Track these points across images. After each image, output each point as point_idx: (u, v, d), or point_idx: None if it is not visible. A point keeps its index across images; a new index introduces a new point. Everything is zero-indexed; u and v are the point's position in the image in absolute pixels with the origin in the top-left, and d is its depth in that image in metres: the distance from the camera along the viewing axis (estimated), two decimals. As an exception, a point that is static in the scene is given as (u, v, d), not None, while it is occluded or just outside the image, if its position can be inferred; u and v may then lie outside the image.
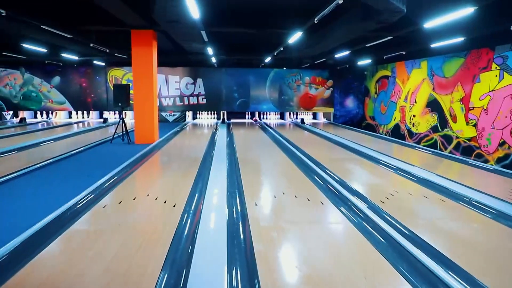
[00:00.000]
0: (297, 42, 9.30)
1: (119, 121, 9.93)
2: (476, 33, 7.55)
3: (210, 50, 11.31)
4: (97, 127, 13.97)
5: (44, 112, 16.74)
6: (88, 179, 5.51)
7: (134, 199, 4.80)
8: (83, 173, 6.30)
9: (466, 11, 5.27)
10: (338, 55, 11.88)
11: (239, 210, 4.37)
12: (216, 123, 15.81)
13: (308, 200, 4.86)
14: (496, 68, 8.37)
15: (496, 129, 8.34)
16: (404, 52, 10.84)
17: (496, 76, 8.36)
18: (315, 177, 6.16)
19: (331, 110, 16.95)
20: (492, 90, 8.45)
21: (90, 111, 16.86)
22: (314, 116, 18.29)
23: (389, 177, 6.54)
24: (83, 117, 17.08)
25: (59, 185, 5.53)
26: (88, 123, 15.41)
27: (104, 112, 16.86)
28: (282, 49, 10.80)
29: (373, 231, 3.80)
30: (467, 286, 2.72)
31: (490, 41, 8.34)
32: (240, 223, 3.96)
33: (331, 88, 16.68)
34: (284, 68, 16.65)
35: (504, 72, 8.11)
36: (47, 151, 8.32)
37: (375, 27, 6.49)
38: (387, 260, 3.15)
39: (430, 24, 6.32)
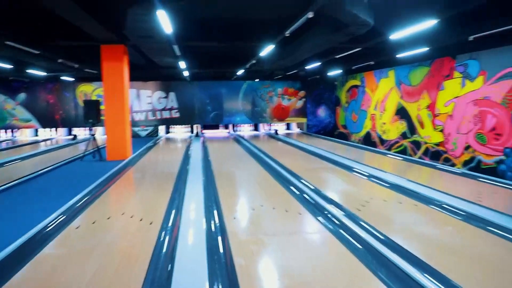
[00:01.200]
0: (269, 54, 9.43)
1: (90, 137, 9.69)
2: (439, 43, 7.91)
3: (182, 64, 11.27)
4: (66, 144, 13.55)
5: (9, 130, 16.10)
6: (59, 200, 5.31)
7: (108, 218, 4.67)
8: (52, 193, 6.08)
9: (430, 23, 5.53)
10: (309, 66, 12.12)
11: (218, 225, 4.33)
12: (190, 137, 15.70)
13: (286, 211, 4.88)
14: (458, 76, 8.78)
15: (461, 134, 8.71)
16: (372, 62, 11.19)
17: (458, 83, 8.76)
18: (292, 187, 6.20)
19: (304, 120, 17.20)
20: (456, 97, 8.84)
21: (58, 128, 16.35)
22: (288, 126, 18.49)
23: (363, 185, 6.67)
24: (50, 135, 16.52)
25: (27, 207, 5.30)
26: (56, 141, 14.93)
27: (73, 128, 16.39)
28: (254, 61, 10.91)
29: (351, 239, 3.86)
30: (444, 289, 2.80)
31: (451, 51, 8.75)
32: (219, 238, 3.92)
33: (303, 99, 16.95)
34: (257, 80, 16.79)
35: (466, 80, 8.52)
36: (13, 171, 7.98)
37: (344, 39, 6.69)
38: (366, 267, 3.20)
39: (396, 35, 6.58)
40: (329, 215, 4.62)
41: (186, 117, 16.31)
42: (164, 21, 5.32)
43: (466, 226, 4.32)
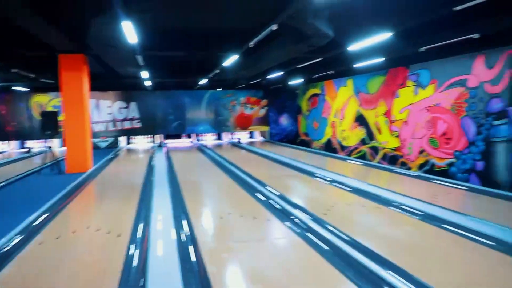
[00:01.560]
0: (233, 64, 9.55)
1: (47, 150, 9.31)
2: (394, 54, 8.39)
3: (145, 74, 11.14)
4: (20, 157, 12.88)
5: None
6: (18, 215, 5.08)
7: (73, 232, 4.54)
8: (10, 209, 5.79)
9: (385, 36, 5.89)
10: (272, 76, 12.37)
11: (188, 234, 4.34)
12: (153, 147, 15.44)
13: (254, 218, 4.97)
14: (411, 84, 9.33)
15: (415, 139, 9.23)
16: (332, 72, 11.61)
17: (412, 91, 9.30)
18: (258, 195, 6.29)
19: (266, 128, 17.44)
20: (410, 104, 9.38)
21: (11, 141, 15.50)
22: (251, 135, 18.65)
23: (327, 190, 6.89)
24: (2, 148, 15.62)
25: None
26: (9, 154, 14.15)
27: (27, 141, 15.61)
28: (218, 71, 10.98)
29: (319, 242, 4.00)
30: (407, 283, 2.99)
31: (405, 61, 9.30)
32: (191, 247, 3.93)
33: (266, 107, 17.22)
34: (220, 89, 16.87)
35: (418, 88, 9.06)
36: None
37: (306, 50, 6.95)
38: (335, 268, 3.34)
39: (354, 47, 6.92)
40: (296, 220, 4.76)
41: (148, 127, 16.06)
42: (128, 31, 5.29)
43: (424, 225, 4.61)
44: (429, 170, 8.72)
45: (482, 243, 3.90)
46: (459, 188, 6.58)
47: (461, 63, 7.73)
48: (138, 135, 16.53)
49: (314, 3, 4.46)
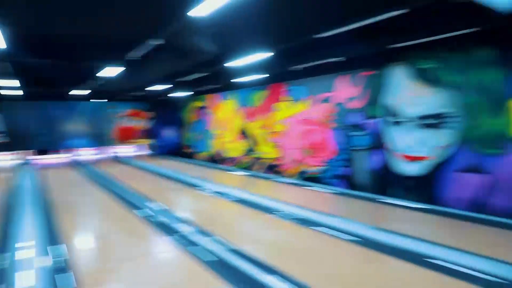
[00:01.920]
0: (116, 75, 9.12)
1: None
2: (273, 71, 9.09)
3: (13, 82, 9.83)
4: None
5: None
6: None
7: None
8: None
9: (265, 55, 6.40)
10: (157, 88, 12.15)
11: (63, 259, 4.01)
12: (21, 164, 13.67)
13: (136, 235, 4.84)
14: (289, 99, 10.18)
15: (293, 149, 10.06)
16: (217, 85, 11.94)
17: (289, 106, 10.15)
18: (141, 211, 6.11)
19: (151, 141, 16.97)
20: (287, 117, 10.21)
21: None
22: (135, 148, 17.86)
23: (212, 201, 7.03)
24: None
25: None
26: None
27: None
28: (99, 82, 10.34)
29: (204, 253, 4.10)
30: (286, 283, 3.28)
31: (283, 77, 10.12)
32: (66, 273, 3.64)
33: (150, 120, 16.78)
34: (101, 100, 15.85)
35: (295, 102, 9.94)
36: None
37: (189, 64, 7.07)
38: (220, 277, 3.48)
39: (236, 63, 7.26)
40: (180, 234, 4.78)
41: (16, 142, 14.15)
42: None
43: (301, 228, 5.07)
44: (305, 177, 9.57)
45: (349, 240, 4.48)
46: (330, 192, 7.41)
47: (330, 81, 8.74)
48: (3, 151, 14.40)
49: (196, 22, 4.60)
